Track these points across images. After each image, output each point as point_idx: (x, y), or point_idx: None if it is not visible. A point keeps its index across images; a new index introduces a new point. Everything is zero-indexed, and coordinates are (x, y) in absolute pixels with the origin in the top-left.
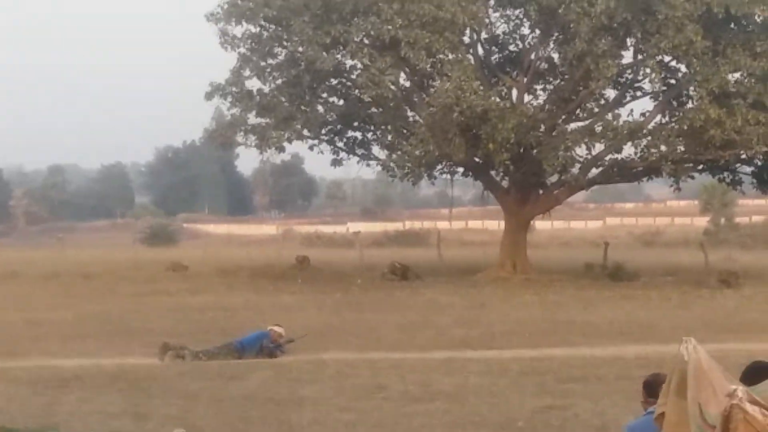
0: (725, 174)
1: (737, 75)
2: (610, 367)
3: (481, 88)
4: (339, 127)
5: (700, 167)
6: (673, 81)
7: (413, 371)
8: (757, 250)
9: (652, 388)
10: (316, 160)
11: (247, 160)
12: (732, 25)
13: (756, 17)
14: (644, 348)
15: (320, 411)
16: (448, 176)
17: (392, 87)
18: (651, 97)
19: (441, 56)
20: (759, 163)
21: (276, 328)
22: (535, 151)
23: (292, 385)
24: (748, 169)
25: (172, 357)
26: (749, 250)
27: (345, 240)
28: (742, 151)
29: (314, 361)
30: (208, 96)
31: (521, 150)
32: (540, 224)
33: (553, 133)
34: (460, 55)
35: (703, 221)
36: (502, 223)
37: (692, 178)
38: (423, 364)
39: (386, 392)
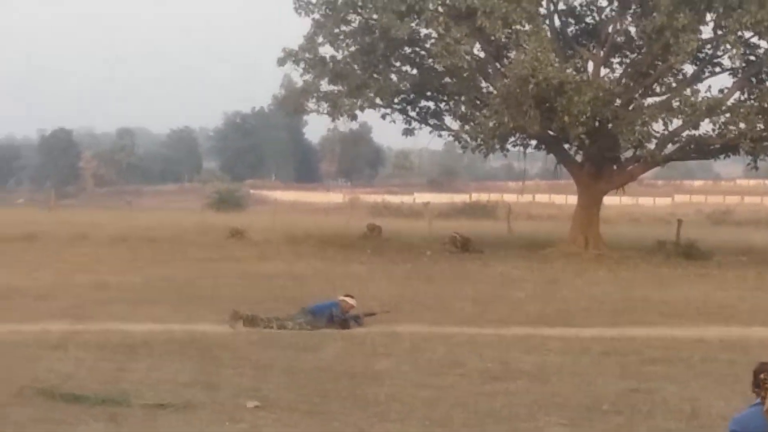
0: None
1: None
2: (694, 350)
3: (557, 60)
4: (412, 96)
5: None
6: (753, 57)
7: (490, 347)
8: None
9: (757, 377)
10: (384, 130)
11: (315, 128)
12: None
13: None
14: (726, 330)
15: (396, 386)
16: (521, 149)
17: (467, 57)
18: (730, 74)
19: (517, 27)
20: None
21: (347, 299)
22: (610, 125)
23: (367, 358)
24: None
25: (244, 324)
26: None
27: (412, 210)
28: None
29: (388, 334)
30: (281, 62)
31: (597, 124)
32: (608, 200)
33: (630, 108)
34: (536, 27)
35: None
36: (570, 198)
37: None
38: (499, 340)
39: (464, 369)
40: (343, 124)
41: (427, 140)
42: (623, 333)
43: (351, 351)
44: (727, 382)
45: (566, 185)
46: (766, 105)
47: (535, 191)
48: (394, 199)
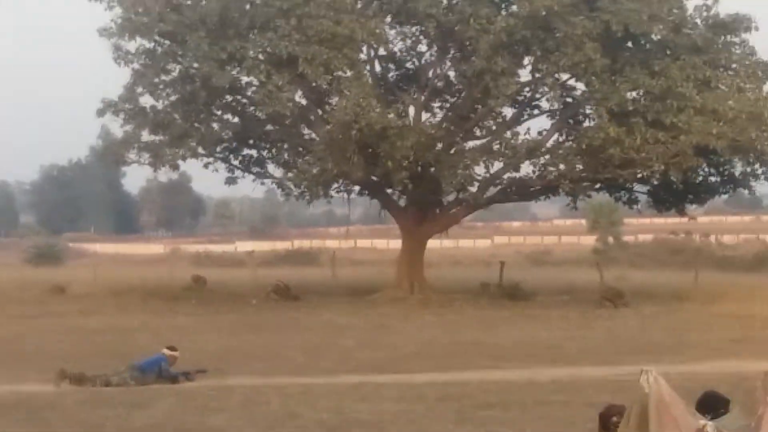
0: (622, 193)
1: (635, 93)
2: (527, 392)
3: (379, 105)
4: (234, 144)
5: (598, 186)
6: (570, 99)
7: (324, 397)
8: (646, 269)
9: (604, 419)
10: (205, 179)
11: (135, 178)
12: (630, 44)
13: (653, 36)
14: (555, 371)
15: None
16: (345, 194)
17: (289, 104)
18: (548, 116)
19: (339, 73)
20: (655, 182)
21: (168, 351)
22: (433, 169)
23: (200, 413)
24: (644, 188)
25: (70, 382)
26: (639, 269)
27: (235, 259)
28: (639, 170)
29: (219, 387)
30: (100, 113)
31: (419, 168)
32: (430, 242)
33: (451, 152)
34: (358, 73)
35: (590, 240)
36: (392, 242)
37: (589, 197)
38: (333, 389)
39: (299, 421)
40: (165, 174)
41: (251, 188)
42: (456, 377)
43: (183, 407)
44: (563, 424)
45: (387, 229)
46: (584, 146)
47: (357, 236)
48: (216, 248)
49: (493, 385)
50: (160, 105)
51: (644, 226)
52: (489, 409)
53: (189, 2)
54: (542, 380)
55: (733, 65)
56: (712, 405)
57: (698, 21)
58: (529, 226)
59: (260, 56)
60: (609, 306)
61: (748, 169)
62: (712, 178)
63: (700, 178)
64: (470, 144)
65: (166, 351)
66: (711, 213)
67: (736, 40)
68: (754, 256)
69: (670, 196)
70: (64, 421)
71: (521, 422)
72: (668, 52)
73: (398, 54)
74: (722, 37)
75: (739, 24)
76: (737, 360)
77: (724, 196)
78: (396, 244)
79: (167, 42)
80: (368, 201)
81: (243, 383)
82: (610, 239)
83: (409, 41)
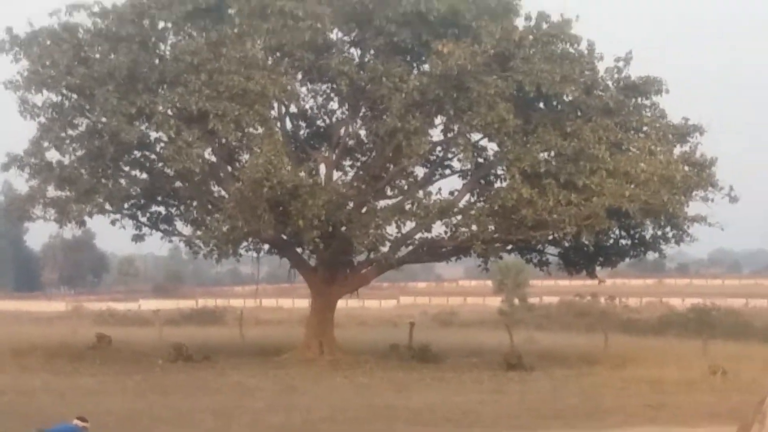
0: (533, 254)
1: (548, 154)
2: None
3: (290, 163)
4: (142, 201)
5: (509, 247)
6: (482, 160)
7: None
8: (553, 331)
9: None
10: (108, 236)
11: (37, 234)
12: (542, 105)
13: (565, 97)
14: None
15: None
16: (254, 253)
17: (199, 160)
18: (459, 176)
19: (250, 130)
20: (566, 244)
21: (80, 423)
22: (344, 228)
23: None
24: (555, 250)
25: None
26: (546, 331)
27: (139, 317)
28: (552, 232)
29: None
30: (5, 167)
31: (331, 227)
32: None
33: (363, 211)
34: (269, 130)
35: (495, 301)
36: (297, 301)
37: (501, 258)
38: None
39: None
40: (70, 231)
41: (158, 246)
42: None
43: None
44: None
45: (293, 289)
46: (496, 207)
47: (263, 295)
48: (120, 306)
49: None
50: (66, 160)
51: (549, 288)
52: None
53: (97, 56)
54: None
55: (644, 128)
56: None
57: (610, 83)
58: (434, 286)
59: (170, 111)
60: (511, 369)
61: (659, 232)
62: (623, 241)
63: (611, 241)
64: (382, 203)
65: (78, 422)
66: (614, 276)
67: (647, 102)
68: (658, 320)
69: (581, 259)
70: None
71: None
72: (580, 114)
73: (309, 111)
74: (633, 100)
75: (649, 86)
76: (654, 426)
77: (629, 260)
78: (302, 303)
79: (75, 96)
80: (274, 259)
81: None
82: (516, 301)
83: (320, 99)
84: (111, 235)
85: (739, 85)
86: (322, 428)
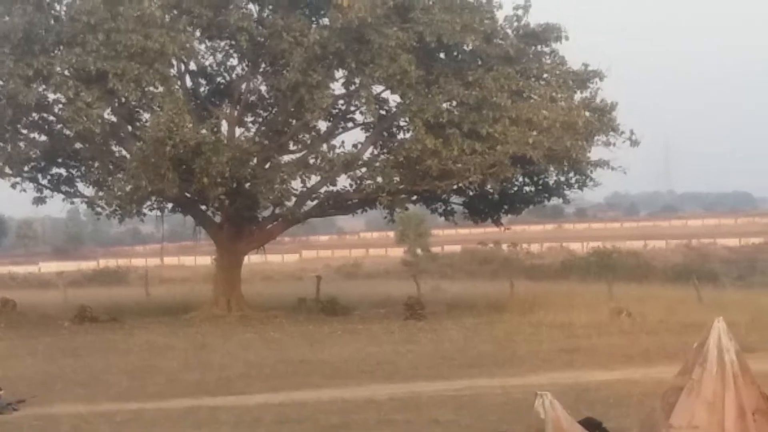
0: (438, 204)
1: (450, 104)
2: (367, 412)
3: (192, 121)
4: (42, 163)
5: (415, 198)
6: (384, 112)
7: (157, 425)
8: (457, 280)
9: None
10: (5, 199)
11: None
12: (443, 55)
13: (466, 47)
14: (392, 388)
15: None
16: (158, 212)
17: (99, 121)
18: (362, 128)
19: (150, 88)
20: (471, 193)
21: None
22: (248, 185)
23: None
24: (460, 200)
25: None
26: (451, 280)
27: (40, 280)
28: (457, 181)
29: (44, 417)
30: None
31: (235, 184)
32: None
33: (267, 166)
34: (169, 88)
35: (398, 252)
36: (199, 259)
37: (407, 209)
38: (165, 415)
39: None
40: None
41: (59, 209)
42: (290, 398)
43: None
44: None
45: (195, 246)
46: (401, 158)
47: (165, 254)
48: (20, 269)
49: (331, 405)
50: None
51: (451, 237)
52: (332, 430)
53: None
54: (381, 398)
55: (545, 75)
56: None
57: (509, 31)
58: (336, 239)
59: (67, 72)
60: (414, 316)
61: (562, 178)
62: (527, 188)
63: (515, 188)
64: (286, 158)
65: None
66: (515, 222)
67: (547, 50)
68: (560, 264)
69: (486, 207)
70: None
71: None
72: (481, 63)
73: (209, 68)
74: (533, 47)
75: (549, 34)
76: (572, 371)
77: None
78: (204, 260)
79: None
80: (175, 218)
81: (68, 411)
82: (419, 251)
83: (220, 55)
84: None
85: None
86: (239, 385)
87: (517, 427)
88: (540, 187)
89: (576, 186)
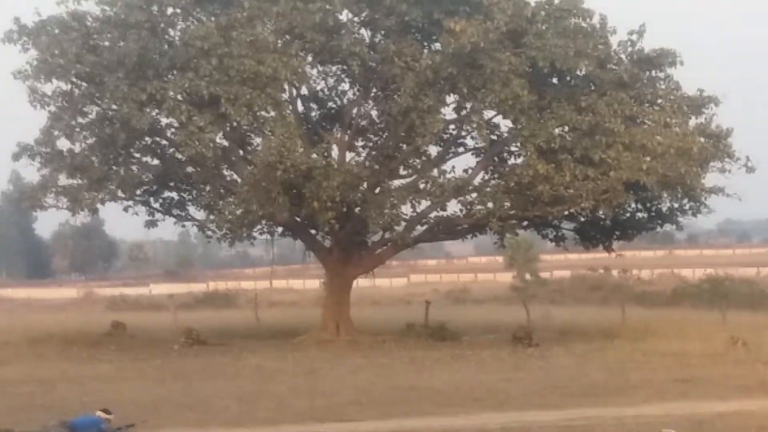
0: (549, 230)
1: (563, 129)
2: None
3: (303, 146)
4: (154, 187)
5: (525, 223)
6: (495, 137)
7: None
8: (566, 306)
9: None
10: (118, 222)
11: (46, 222)
12: (556, 80)
13: (579, 72)
14: (503, 417)
15: None
16: (268, 236)
17: (211, 145)
18: (473, 153)
19: (262, 113)
20: (582, 219)
21: (104, 415)
22: (358, 209)
23: None
24: (571, 225)
25: None
26: (560, 306)
27: (151, 303)
28: (569, 207)
29: None
30: (16, 157)
31: (345, 208)
32: None
33: (377, 191)
34: (281, 112)
35: (506, 277)
36: (308, 282)
37: (517, 234)
38: None
39: None
40: (83, 218)
41: (170, 231)
42: (401, 426)
43: None
44: None
45: (303, 269)
46: (512, 184)
47: (274, 277)
48: (131, 291)
49: None
50: (77, 148)
51: (560, 262)
52: None
53: (107, 43)
54: (492, 428)
55: (659, 100)
56: None
57: (623, 56)
58: (444, 264)
59: (180, 97)
60: (522, 345)
61: (676, 205)
62: (640, 214)
63: (628, 214)
64: (396, 183)
65: (101, 414)
66: (624, 248)
67: (661, 75)
68: (672, 291)
69: (598, 233)
70: None
71: None
72: (594, 88)
73: (321, 93)
74: (647, 72)
75: (663, 59)
76: (687, 401)
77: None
78: (313, 284)
79: (84, 84)
80: (284, 241)
81: None
82: (528, 276)
83: (331, 80)
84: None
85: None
86: (349, 411)
87: None
88: (653, 214)
89: (690, 213)
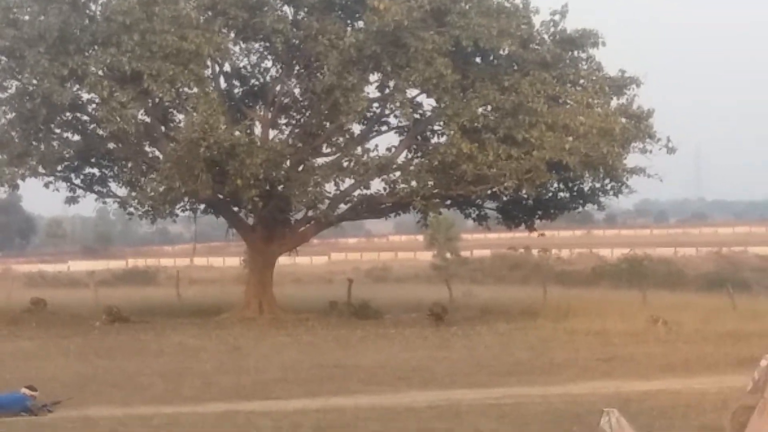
0: (472, 209)
1: (486, 109)
2: (407, 420)
3: (226, 123)
4: (76, 163)
5: (448, 202)
6: (418, 116)
7: (195, 429)
8: (487, 285)
9: None
10: (36, 198)
11: None
12: (479, 59)
13: (502, 51)
14: (429, 395)
15: None
16: (190, 213)
17: (133, 121)
18: (396, 132)
19: (185, 89)
20: (505, 198)
21: (29, 392)
22: (282, 187)
23: None
24: (494, 205)
25: None
26: (481, 285)
27: (70, 279)
28: (492, 186)
29: (81, 420)
30: None
31: (269, 186)
32: None
33: (300, 169)
34: (204, 89)
35: (426, 255)
36: (228, 260)
37: (440, 213)
38: (202, 419)
39: None
40: (1, 194)
41: (91, 208)
42: (329, 404)
43: None
44: None
45: (223, 247)
46: (436, 163)
47: (192, 254)
48: (49, 268)
49: (371, 412)
50: None
51: (479, 241)
52: None
53: (27, 17)
54: (419, 406)
55: (581, 80)
56: None
57: (546, 36)
58: (364, 242)
59: (102, 72)
60: (433, 321)
61: (597, 184)
62: (562, 194)
63: (550, 194)
64: (320, 161)
65: (26, 391)
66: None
67: (584, 55)
68: (591, 270)
69: (520, 213)
70: None
71: None
72: (517, 68)
73: (244, 70)
74: (570, 53)
75: (585, 39)
76: (611, 380)
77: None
78: (233, 262)
79: (4, 58)
80: (205, 218)
81: (104, 414)
82: (449, 255)
83: (254, 57)
84: (38, 196)
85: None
86: (276, 390)
87: None
88: (575, 194)
89: (611, 193)
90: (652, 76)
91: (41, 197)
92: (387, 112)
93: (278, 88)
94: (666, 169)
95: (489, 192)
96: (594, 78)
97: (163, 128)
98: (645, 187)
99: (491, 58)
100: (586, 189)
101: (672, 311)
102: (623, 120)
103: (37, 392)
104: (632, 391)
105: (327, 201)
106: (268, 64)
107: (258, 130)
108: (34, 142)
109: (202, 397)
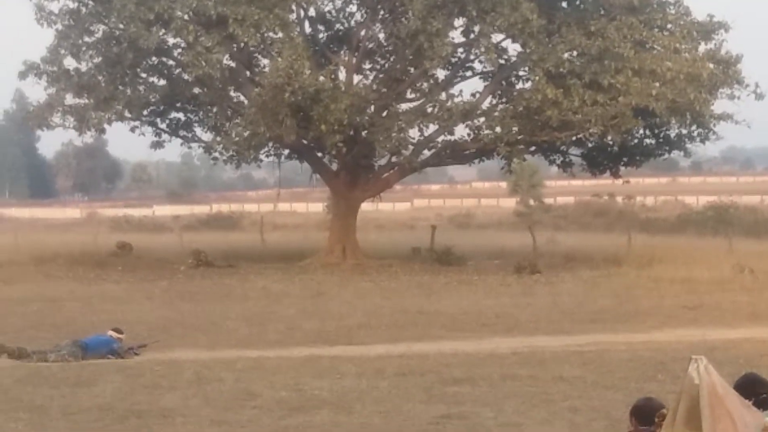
0: (556, 156)
1: (572, 54)
2: (491, 366)
3: (311, 68)
4: (161, 108)
5: (533, 149)
6: (503, 61)
7: (279, 373)
8: (571, 232)
9: (644, 415)
10: (121, 142)
11: (49, 142)
12: (565, 4)
13: None
14: (513, 342)
15: (190, 425)
16: (275, 158)
17: (218, 66)
18: (481, 78)
19: (270, 34)
20: (590, 145)
21: (115, 335)
22: (366, 132)
23: (150, 393)
24: (578, 151)
25: (9, 357)
26: (564, 232)
27: (155, 223)
28: (577, 132)
29: (167, 363)
30: (22, 75)
31: (353, 132)
32: None
33: (384, 115)
34: (289, 34)
35: (509, 202)
36: (311, 206)
37: (524, 160)
38: (286, 363)
39: (258, 400)
40: (88, 138)
41: (176, 153)
42: (411, 350)
43: (131, 385)
44: (538, 402)
45: (306, 193)
46: (520, 108)
47: (277, 200)
48: (134, 212)
49: (453, 358)
50: (84, 67)
51: (563, 188)
52: (456, 384)
53: None
54: (503, 352)
55: (669, 25)
56: (751, 389)
57: None
58: (447, 188)
59: (187, 17)
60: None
61: (684, 131)
62: (648, 140)
63: (636, 141)
64: (404, 107)
65: (113, 333)
66: (627, 175)
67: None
68: (677, 218)
69: (605, 159)
70: (5, 402)
71: (494, 400)
72: (603, 12)
73: (328, 15)
74: None
75: None
76: (697, 328)
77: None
78: (316, 207)
79: (91, 2)
80: (288, 164)
81: (190, 358)
82: (532, 202)
83: (339, 2)
84: (123, 141)
85: None
86: (359, 335)
87: (648, 386)
88: (661, 140)
89: (698, 139)
90: (741, 20)
91: (127, 142)
92: (472, 57)
93: (363, 32)
94: (754, 115)
95: (574, 138)
96: (682, 23)
97: (248, 73)
98: (732, 133)
99: (577, 2)
100: (672, 135)
101: (758, 260)
102: (711, 65)
103: (123, 335)
104: (718, 339)
105: (411, 147)
106: (353, 8)
107: (342, 75)
108: (120, 87)
109: (285, 341)
